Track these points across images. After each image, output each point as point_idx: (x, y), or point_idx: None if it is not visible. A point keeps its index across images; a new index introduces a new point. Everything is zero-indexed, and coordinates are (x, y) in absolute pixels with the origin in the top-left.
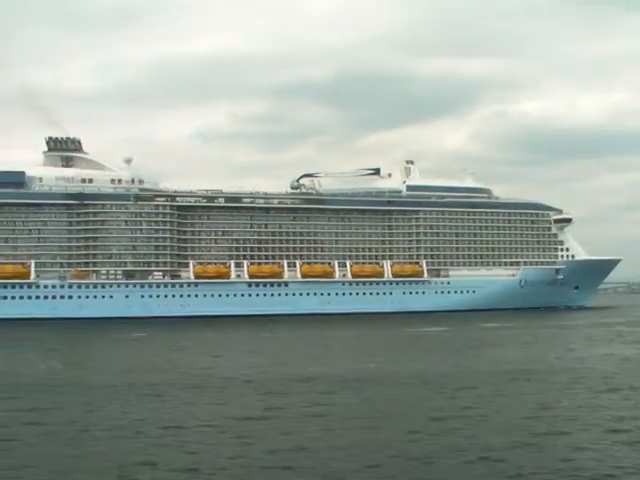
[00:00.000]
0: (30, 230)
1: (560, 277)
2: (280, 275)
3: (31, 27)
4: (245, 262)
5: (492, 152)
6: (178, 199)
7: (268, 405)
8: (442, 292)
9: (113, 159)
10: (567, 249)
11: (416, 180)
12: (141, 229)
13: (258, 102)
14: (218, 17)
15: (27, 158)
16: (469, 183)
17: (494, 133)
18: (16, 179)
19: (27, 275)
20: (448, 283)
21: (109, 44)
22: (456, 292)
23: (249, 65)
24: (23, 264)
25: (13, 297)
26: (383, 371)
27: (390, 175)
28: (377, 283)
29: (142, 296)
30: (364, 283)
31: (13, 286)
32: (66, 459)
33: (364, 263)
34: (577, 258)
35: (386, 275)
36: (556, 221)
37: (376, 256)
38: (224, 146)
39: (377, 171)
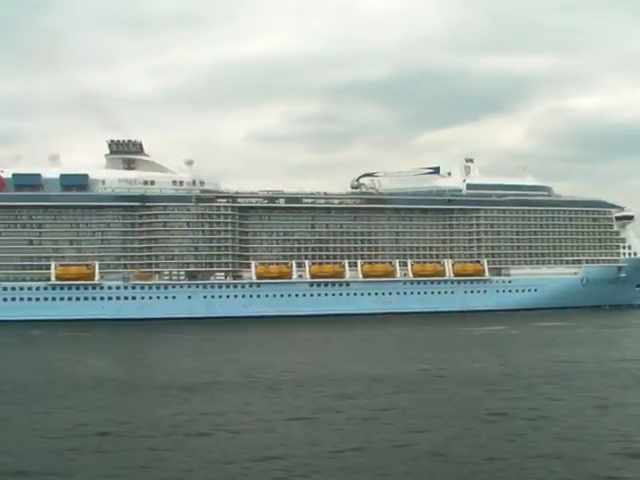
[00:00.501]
0: (94, 232)
1: (622, 275)
2: (341, 275)
3: (90, 30)
4: (307, 262)
5: (547, 149)
6: (239, 200)
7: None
8: (503, 291)
9: (173, 161)
10: (629, 247)
11: (476, 179)
12: (203, 230)
13: (312, 102)
14: (273, 19)
15: (89, 161)
16: (529, 181)
17: (549, 130)
18: (80, 182)
19: (91, 276)
20: (509, 282)
21: (168, 47)
22: (517, 291)
23: (303, 65)
24: (87, 265)
25: (77, 298)
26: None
27: (450, 174)
28: (438, 282)
29: (204, 297)
30: (425, 282)
31: (77, 287)
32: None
33: (425, 262)
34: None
35: (447, 274)
36: (618, 218)
37: (437, 255)
38: (279, 147)
39: (437, 170)
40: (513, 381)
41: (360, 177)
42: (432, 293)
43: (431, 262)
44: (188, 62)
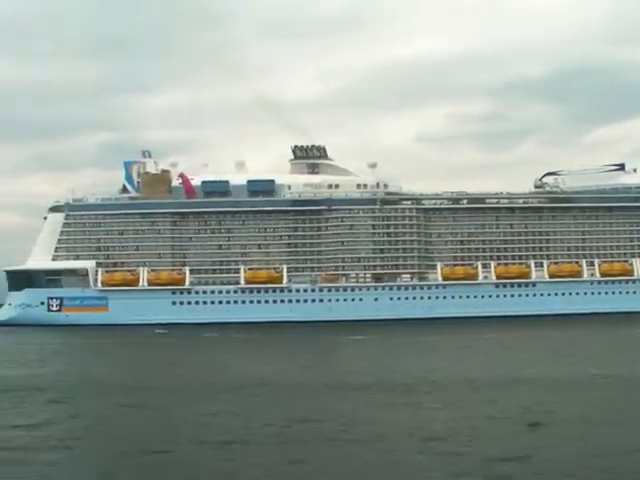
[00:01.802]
0: (281, 236)
1: None
2: (527, 275)
3: (258, 38)
4: (492, 263)
5: None
6: (424, 202)
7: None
8: None
9: (351, 163)
10: None
11: None
12: (388, 232)
13: (477, 102)
14: (431, 19)
15: (273, 166)
16: None
17: None
18: (267, 187)
19: (279, 280)
20: None
21: (332, 51)
22: None
23: (464, 65)
24: (275, 269)
25: (266, 301)
26: None
27: (635, 170)
28: (626, 282)
29: (390, 298)
30: (613, 282)
31: (266, 290)
32: None
33: (612, 262)
34: None
35: (636, 273)
36: None
37: (625, 254)
38: (445, 147)
39: (622, 167)
40: None
41: (543, 176)
42: (620, 293)
43: (619, 261)
44: (352, 65)
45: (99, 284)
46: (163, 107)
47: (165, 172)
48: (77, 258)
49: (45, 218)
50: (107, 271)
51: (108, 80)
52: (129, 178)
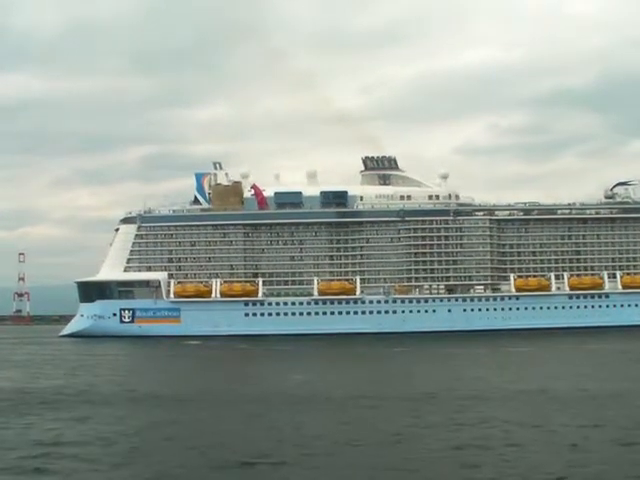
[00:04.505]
0: (354, 247)
1: None
2: (600, 286)
3: (304, 52)
4: (565, 274)
5: None
6: (497, 213)
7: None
8: None
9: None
10: None
11: None
12: (461, 244)
13: (519, 113)
14: (476, 31)
15: (343, 177)
16: None
17: None
18: (339, 198)
19: (353, 291)
20: None
21: (373, 65)
22: None
23: (508, 76)
24: (349, 280)
25: (340, 312)
26: None
27: None
28: None
29: (464, 310)
30: None
31: (339, 302)
32: None
33: None
34: None
35: None
36: None
37: None
38: (486, 159)
39: None
40: None
41: (614, 186)
42: None
43: None
44: (395, 78)
45: (171, 295)
46: (207, 120)
47: (237, 183)
48: (149, 269)
49: (117, 230)
50: (179, 282)
51: (153, 94)
52: (200, 189)
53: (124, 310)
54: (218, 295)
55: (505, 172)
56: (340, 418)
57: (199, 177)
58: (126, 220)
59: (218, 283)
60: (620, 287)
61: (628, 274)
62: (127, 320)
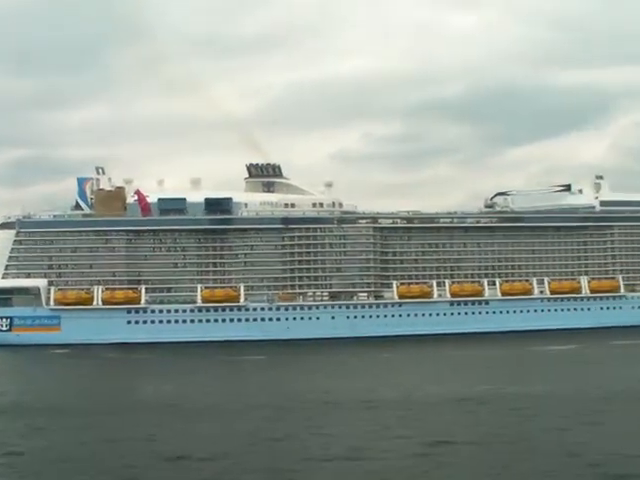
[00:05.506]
0: (237, 254)
1: None
2: (481, 294)
3: (189, 55)
4: (446, 281)
5: (630, 163)
6: (380, 221)
7: None
8: (639, 307)
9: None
10: None
11: (608, 195)
12: (345, 251)
13: (393, 122)
14: (353, 41)
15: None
16: None
17: (632, 144)
18: (224, 205)
19: (237, 298)
20: None
21: (252, 70)
22: None
23: (382, 86)
24: (233, 288)
25: (224, 320)
26: None
27: (581, 191)
28: (575, 299)
29: (347, 317)
30: (562, 300)
31: (223, 309)
32: None
33: (562, 280)
34: None
35: (583, 291)
36: None
37: (572, 272)
38: (361, 167)
39: (568, 187)
40: None
41: (494, 196)
42: (568, 310)
43: (566, 280)
44: (274, 84)
45: (52, 303)
46: (88, 123)
47: (120, 189)
48: (28, 276)
49: None
50: (60, 289)
51: (25, 95)
52: (82, 195)
53: (1, 318)
54: (100, 302)
55: (379, 180)
56: None
57: (81, 182)
58: (3, 225)
59: (100, 290)
60: (499, 294)
61: (507, 281)
62: (4, 329)
